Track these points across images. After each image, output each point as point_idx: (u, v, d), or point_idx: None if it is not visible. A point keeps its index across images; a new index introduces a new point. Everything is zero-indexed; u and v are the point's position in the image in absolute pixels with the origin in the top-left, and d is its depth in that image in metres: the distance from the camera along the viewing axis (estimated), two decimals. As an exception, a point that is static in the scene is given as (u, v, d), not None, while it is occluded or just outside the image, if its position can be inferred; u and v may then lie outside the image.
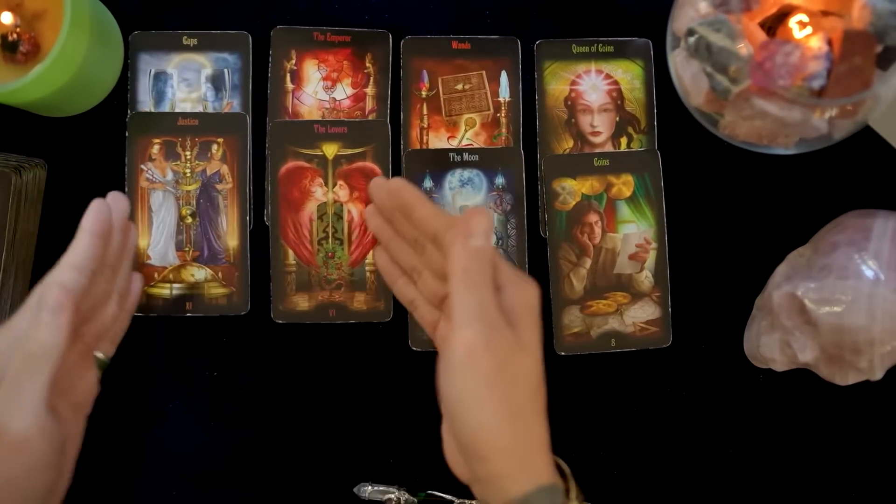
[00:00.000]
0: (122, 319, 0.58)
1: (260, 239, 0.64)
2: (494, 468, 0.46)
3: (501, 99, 0.65)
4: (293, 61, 0.65)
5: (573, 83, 0.65)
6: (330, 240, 0.64)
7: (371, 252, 0.64)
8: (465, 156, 0.64)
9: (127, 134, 0.64)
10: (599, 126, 0.65)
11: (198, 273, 0.64)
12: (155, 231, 0.64)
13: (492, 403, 0.45)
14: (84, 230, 0.52)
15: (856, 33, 0.53)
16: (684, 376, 0.64)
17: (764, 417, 0.64)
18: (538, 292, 0.50)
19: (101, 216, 0.53)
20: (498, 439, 0.45)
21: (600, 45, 0.66)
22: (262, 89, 0.65)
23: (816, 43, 0.54)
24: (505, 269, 0.50)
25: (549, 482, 0.46)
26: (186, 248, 0.64)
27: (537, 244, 0.64)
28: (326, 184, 0.64)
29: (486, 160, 0.64)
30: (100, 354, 0.56)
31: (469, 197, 0.64)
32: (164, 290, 0.63)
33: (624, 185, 0.64)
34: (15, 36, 0.57)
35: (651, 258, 0.64)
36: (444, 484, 0.62)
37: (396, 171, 0.64)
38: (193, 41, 0.65)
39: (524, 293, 0.49)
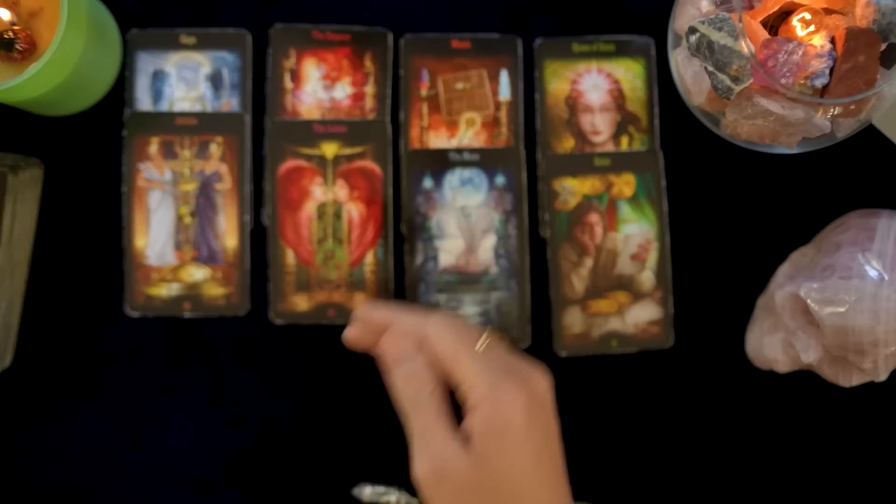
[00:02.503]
0: None
1: (259, 239, 0.64)
2: None
3: (502, 98, 0.65)
4: (292, 60, 0.65)
5: (574, 82, 0.65)
6: (329, 240, 0.63)
7: (371, 251, 0.63)
8: (466, 155, 0.64)
9: (124, 133, 0.64)
10: (600, 125, 0.65)
11: (196, 273, 0.63)
12: (153, 231, 0.63)
13: None
14: None
15: (859, 31, 0.53)
16: (686, 377, 0.64)
17: (767, 419, 0.63)
18: (522, 402, 0.46)
19: None
20: None
21: (601, 43, 0.65)
22: (260, 88, 0.64)
23: (819, 41, 0.54)
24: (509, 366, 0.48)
25: None
26: (185, 248, 0.63)
27: (537, 244, 0.64)
28: (326, 183, 0.64)
29: (486, 160, 0.64)
30: None
31: (469, 197, 0.64)
32: (163, 291, 0.63)
33: (625, 184, 0.64)
34: (11, 34, 0.57)
35: (652, 258, 0.64)
36: (444, 485, 0.62)
37: (396, 171, 0.64)
38: (192, 40, 0.64)
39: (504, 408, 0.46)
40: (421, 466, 0.45)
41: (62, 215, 0.64)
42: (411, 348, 0.47)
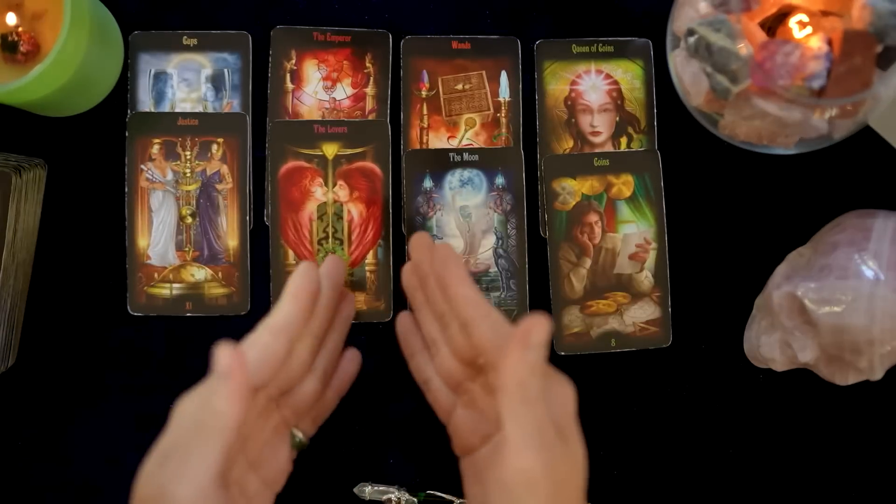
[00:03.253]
0: (326, 399, 0.55)
1: (260, 239, 0.64)
2: None
3: (501, 99, 0.65)
4: (293, 61, 0.65)
5: (573, 83, 0.65)
6: (330, 240, 0.64)
7: (371, 252, 0.64)
8: (465, 156, 0.64)
9: (127, 134, 0.64)
10: (599, 126, 0.65)
11: (198, 273, 0.64)
12: (155, 231, 0.64)
13: None
14: (287, 292, 0.49)
15: (856, 33, 0.53)
16: (684, 376, 0.64)
17: (764, 417, 0.64)
18: (575, 392, 0.47)
19: (308, 278, 0.50)
20: None
21: (600, 45, 0.66)
22: (262, 89, 0.65)
23: (816, 43, 0.54)
24: (549, 372, 0.47)
25: None
26: (186, 248, 0.64)
27: (537, 244, 0.64)
28: (326, 184, 0.64)
29: (486, 160, 0.64)
30: (297, 433, 0.52)
31: (469, 197, 0.64)
32: (164, 290, 0.63)
33: (624, 185, 0.64)
34: (15, 36, 0.58)
35: (651, 258, 0.64)
36: (444, 484, 0.62)
37: (396, 171, 0.64)
38: (193, 41, 0.65)
39: (565, 398, 0.46)
40: (535, 461, 0.43)
41: (65, 216, 0.64)
42: (548, 337, 0.45)
